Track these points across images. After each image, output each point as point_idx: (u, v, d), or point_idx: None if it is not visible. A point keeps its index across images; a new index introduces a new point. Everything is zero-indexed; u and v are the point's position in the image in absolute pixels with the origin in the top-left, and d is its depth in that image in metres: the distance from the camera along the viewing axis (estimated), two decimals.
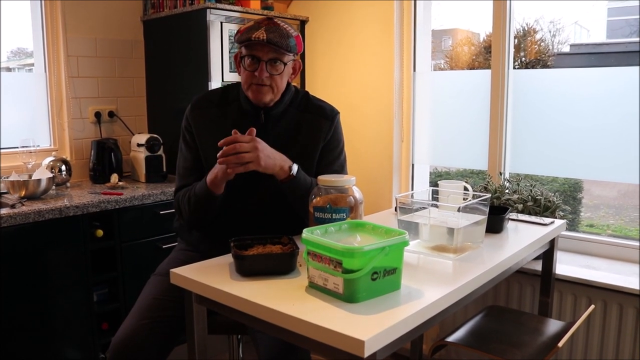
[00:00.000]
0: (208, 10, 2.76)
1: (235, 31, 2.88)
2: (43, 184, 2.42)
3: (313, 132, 1.82)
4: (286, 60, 1.73)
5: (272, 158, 1.64)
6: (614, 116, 2.37)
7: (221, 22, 2.82)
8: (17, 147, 2.68)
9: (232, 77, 2.89)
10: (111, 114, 3.11)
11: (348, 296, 1.26)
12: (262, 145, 1.61)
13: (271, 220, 1.78)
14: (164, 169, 2.95)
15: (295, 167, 1.69)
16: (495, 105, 2.65)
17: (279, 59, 1.71)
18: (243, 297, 1.30)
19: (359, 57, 3.06)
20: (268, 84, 1.72)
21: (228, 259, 1.57)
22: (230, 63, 2.88)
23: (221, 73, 2.84)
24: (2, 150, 2.73)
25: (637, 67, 2.29)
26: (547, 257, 2.12)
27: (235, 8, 2.87)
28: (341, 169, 1.87)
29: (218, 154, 1.58)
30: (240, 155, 1.56)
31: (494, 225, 1.90)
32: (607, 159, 2.40)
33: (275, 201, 1.79)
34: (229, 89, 1.89)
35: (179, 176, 1.86)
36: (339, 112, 1.89)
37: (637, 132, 2.30)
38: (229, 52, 2.87)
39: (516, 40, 3.07)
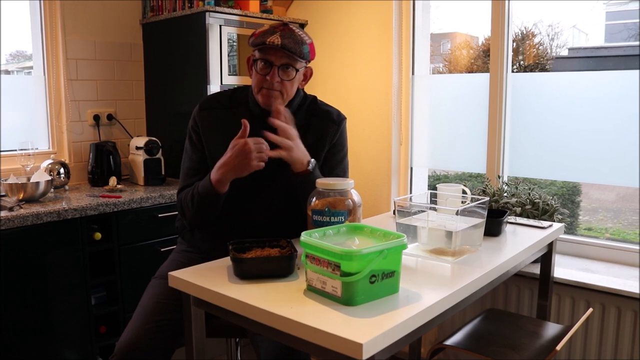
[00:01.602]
0: (207, 13, 2.76)
1: (235, 35, 2.89)
2: (41, 187, 2.42)
3: (320, 135, 1.83)
4: (298, 66, 1.74)
5: (301, 152, 1.70)
6: (612, 120, 2.37)
7: (220, 26, 2.82)
8: (16, 150, 2.68)
9: (231, 81, 2.89)
10: (110, 117, 3.11)
11: (346, 299, 1.26)
12: (299, 140, 1.69)
13: (273, 222, 1.79)
14: (163, 172, 2.95)
15: (312, 163, 1.71)
16: (493, 108, 2.65)
17: (292, 65, 1.72)
18: (241, 300, 1.30)
19: (357, 60, 3.07)
20: (278, 89, 1.73)
21: (226, 262, 1.57)
22: (230, 66, 2.88)
23: (220, 76, 2.84)
24: (0, 153, 2.72)
25: (636, 71, 2.30)
26: (546, 260, 2.12)
27: (234, 11, 2.87)
28: (343, 174, 1.87)
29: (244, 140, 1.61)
30: (286, 137, 1.64)
31: (492, 228, 1.90)
32: (606, 162, 2.40)
33: (278, 203, 1.79)
34: (237, 91, 1.89)
35: (184, 176, 1.86)
36: (345, 118, 1.91)
37: (636, 136, 2.30)
38: (228, 55, 2.87)
39: (515, 44, 3.08)
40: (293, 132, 1.67)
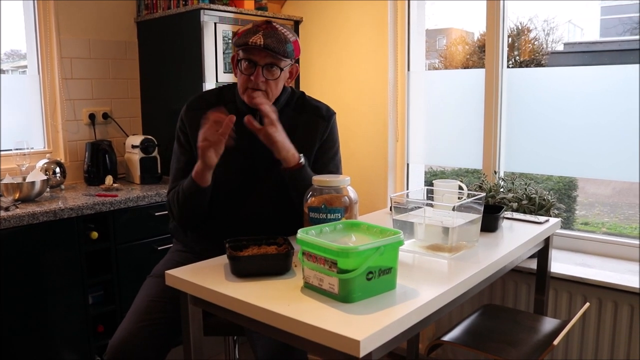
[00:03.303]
0: (202, 11, 2.75)
1: (230, 32, 2.88)
2: (37, 187, 2.41)
3: (309, 132, 1.82)
4: (283, 65, 1.73)
5: (288, 141, 1.68)
6: (608, 114, 2.37)
7: (215, 23, 2.81)
8: (11, 150, 2.67)
9: (227, 78, 2.88)
10: (105, 116, 3.10)
11: (343, 296, 1.26)
12: (281, 126, 1.66)
13: (266, 221, 1.78)
14: (159, 171, 2.94)
15: (303, 157, 1.70)
16: (489, 104, 2.65)
17: (276, 64, 1.71)
18: (238, 298, 1.30)
19: (353, 57, 3.06)
20: (263, 88, 1.72)
21: (223, 260, 1.57)
22: (225, 64, 2.88)
23: (215, 74, 2.83)
24: None
25: (631, 65, 2.30)
26: (542, 255, 2.13)
27: (229, 9, 2.86)
28: (336, 170, 1.87)
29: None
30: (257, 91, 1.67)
31: (489, 224, 1.90)
32: (602, 157, 2.40)
33: (270, 202, 1.79)
34: (224, 90, 1.88)
35: (172, 178, 1.85)
36: (335, 113, 1.89)
37: (631, 130, 2.31)
38: (223, 53, 2.86)
39: (510, 39, 3.08)
40: (275, 117, 1.65)
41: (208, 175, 1.67)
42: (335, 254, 1.24)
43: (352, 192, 1.60)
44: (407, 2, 2.92)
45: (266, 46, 1.64)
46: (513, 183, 2.43)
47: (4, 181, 2.40)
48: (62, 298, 2.37)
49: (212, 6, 2.79)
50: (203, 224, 1.81)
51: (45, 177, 2.47)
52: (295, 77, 1.84)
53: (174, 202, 1.77)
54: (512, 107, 2.64)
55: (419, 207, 1.76)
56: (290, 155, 1.67)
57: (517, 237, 1.88)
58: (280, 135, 1.65)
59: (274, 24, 1.71)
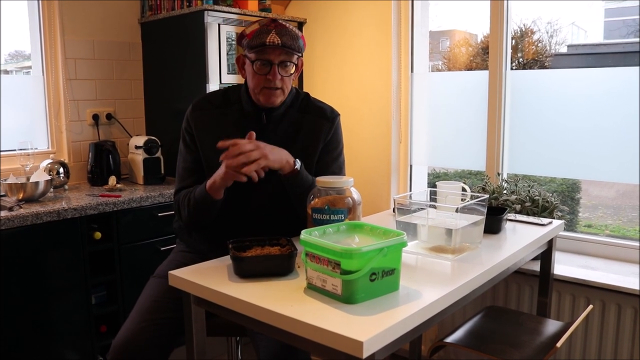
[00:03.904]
0: (206, 12, 2.76)
1: (234, 33, 2.88)
2: (41, 187, 2.42)
3: (313, 133, 1.83)
4: (295, 60, 1.76)
5: (277, 152, 1.65)
6: (611, 116, 2.37)
7: (219, 24, 2.82)
8: (15, 150, 2.68)
9: (230, 79, 2.89)
10: (109, 117, 3.11)
11: (346, 297, 1.26)
12: (263, 143, 1.63)
13: (270, 222, 1.78)
14: (162, 171, 2.95)
15: (298, 162, 1.70)
16: (492, 106, 2.65)
17: (290, 61, 1.73)
18: (241, 298, 1.30)
19: (356, 59, 3.07)
20: (280, 86, 1.74)
21: (226, 260, 1.57)
22: (229, 65, 2.88)
23: (219, 75, 2.84)
24: (0, 153, 2.72)
25: (635, 68, 2.29)
26: (546, 257, 2.13)
27: (233, 10, 2.87)
28: (339, 171, 1.87)
29: (222, 156, 1.58)
30: (248, 153, 1.57)
31: (492, 225, 1.90)
32: (605, 159, 2.40)
33: (274, 203, 1.79)
34: (229, 91, 1.89)
35: (179, 177, 1.86)
36: (339, 114, 1.90)
37: (635, 132, 2.30)
38: (227, 54, 2.87)
39: (514, 41, 3.08)
40: (246, 145, 1.58)
41: (223, 189, 1.68)
42: (338, 255, 1.24)
43: (355, 194, 1.60)
44: (410, 3, 2.92)
45: (284, 44, 1.67)
46: (516, 185, 2.43)
47: (8, 181, 2.41)
48: (65, 298, 2.37)
49: (216, 7, 2.79)
50: (208, 225, 1.81)
51: (48, 178, 2.48)
52: (300, 70, 1.86)
53: (183, 205, 1.78)
54: (516, 109, 2.63)
55: (422, 209, 1.76)
56: (283, 164, 1.66)
57: (520, 239, 1.88)
58: (270, 156, 1.61)
59: (280, 20, 1.73)
